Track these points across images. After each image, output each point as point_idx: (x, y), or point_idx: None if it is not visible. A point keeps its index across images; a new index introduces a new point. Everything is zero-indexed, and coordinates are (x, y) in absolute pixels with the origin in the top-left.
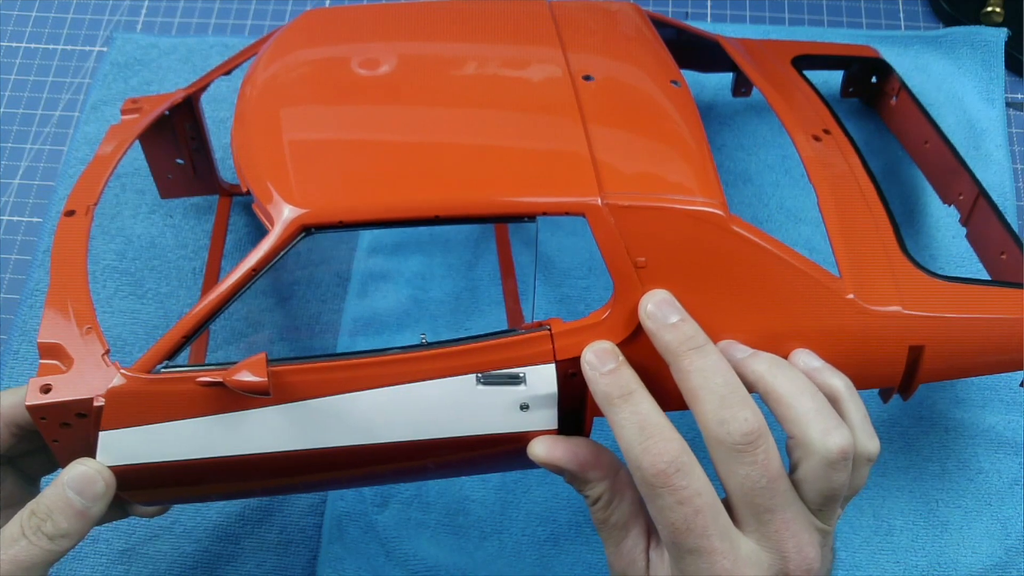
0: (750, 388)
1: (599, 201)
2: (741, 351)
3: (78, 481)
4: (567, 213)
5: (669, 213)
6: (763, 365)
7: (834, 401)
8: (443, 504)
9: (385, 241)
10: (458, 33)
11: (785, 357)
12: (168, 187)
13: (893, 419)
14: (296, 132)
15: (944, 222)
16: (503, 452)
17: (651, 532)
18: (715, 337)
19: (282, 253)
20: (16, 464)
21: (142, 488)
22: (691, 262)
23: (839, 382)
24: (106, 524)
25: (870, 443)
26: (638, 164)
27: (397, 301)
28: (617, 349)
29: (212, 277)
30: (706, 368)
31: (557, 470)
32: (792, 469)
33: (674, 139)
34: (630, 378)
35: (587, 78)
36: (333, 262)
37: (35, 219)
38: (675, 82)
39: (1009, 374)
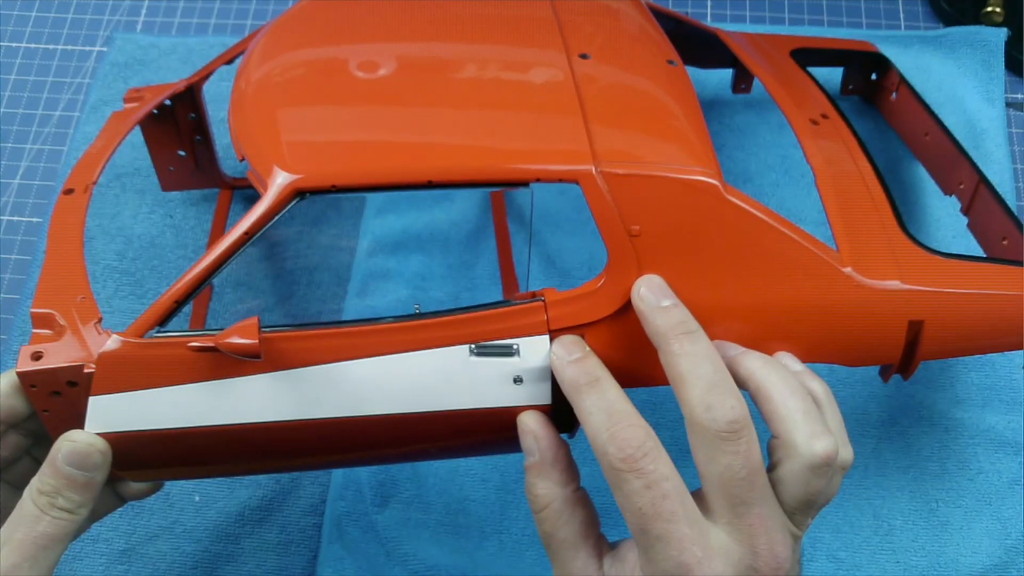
0: (741, 385)
1: (593, 169)
2: (734, 348)
3: (73, 457)
4: (561, 180)
5: (663, 182)
6: (756, 362)
7: None
8: (443, 504)
9: (385, 241)
10: (454, 11)
11: (780, 329)
12: (169, 180)
13: (893, 419)
14: (291, 101)
15: (944, 221)
16: (496, 428)
17: (602, 551)
18: (711, 306)
19: (275, 217)
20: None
21: (133, 460)
22: (686, 231)
23: (819, 387)
24: (105, 523)
25: (844, 451)
26: (633, 134)
27: (397, 301)
28: (582, 341)
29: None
30: (696, 353)
31: (531, 450)
32: (772, 467)
33: (669, 111)
34: (596, 365)
35: (584, 56)
36: (333, 262)
37: (35, 219)
38: (671, 61)
39: (1009, 374)
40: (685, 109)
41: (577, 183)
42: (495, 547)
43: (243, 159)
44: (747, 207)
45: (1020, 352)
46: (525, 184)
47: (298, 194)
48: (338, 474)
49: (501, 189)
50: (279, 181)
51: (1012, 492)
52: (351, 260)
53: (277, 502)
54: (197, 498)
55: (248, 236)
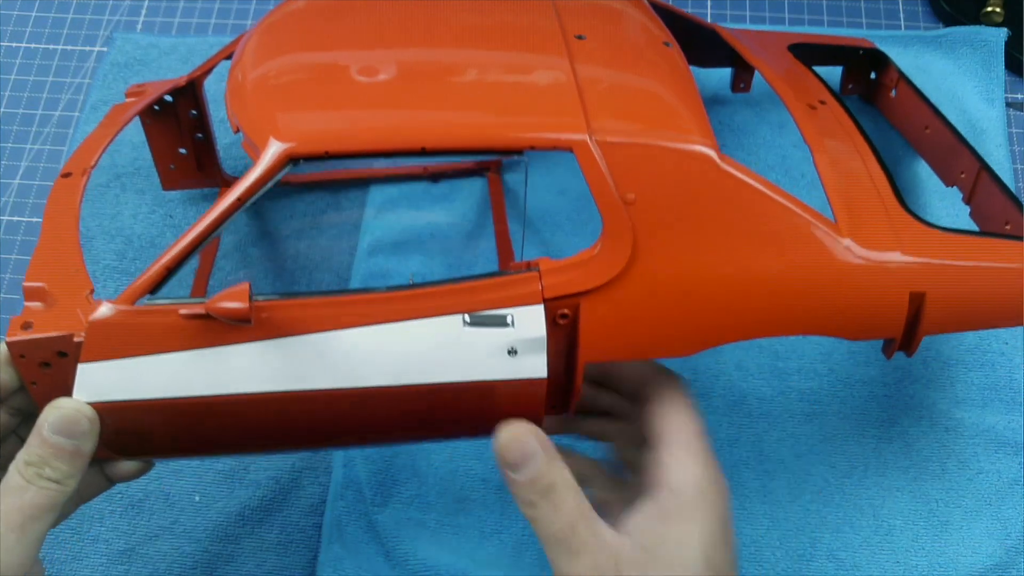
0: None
1: (587, 138)
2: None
3: (60, 424)
4: (555, 148)
5: (658, 151)
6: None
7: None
8: (443, 504)
9: (385, 241)
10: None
11: (776, 300)
12: (170, 178)
13: (893, 419)
14: (286, 73)
15: (945, 221)
16: (490, 404)
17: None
18: (706, 276)
19: (268, 183)
20: None
21: (121, 432)
22: (682, 200)
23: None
24: (105, 523)
25: None
26: (628, 104)
27: None
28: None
29: (205, 268)
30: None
31: (532, 451)
32: None
33: (664, 84)
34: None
35: (580, 36)
36: (333, 262)
37: (35, 219)
38: (667, 43)
39: (1009, 374)
40: (680, 83)
41: (571, 151)
42: (495, 547)
43: (238, 130)
44: (743, 177)
45: (1020, 352)
46: (519, 152)
47: (291, 160)
48: (338, 474)
49: (496, 158)
50: (273, 147)
51: (1012, 492)
52: (351, 260)
53: (277, 502)
54: (197, 498)
55: (241, 202)
